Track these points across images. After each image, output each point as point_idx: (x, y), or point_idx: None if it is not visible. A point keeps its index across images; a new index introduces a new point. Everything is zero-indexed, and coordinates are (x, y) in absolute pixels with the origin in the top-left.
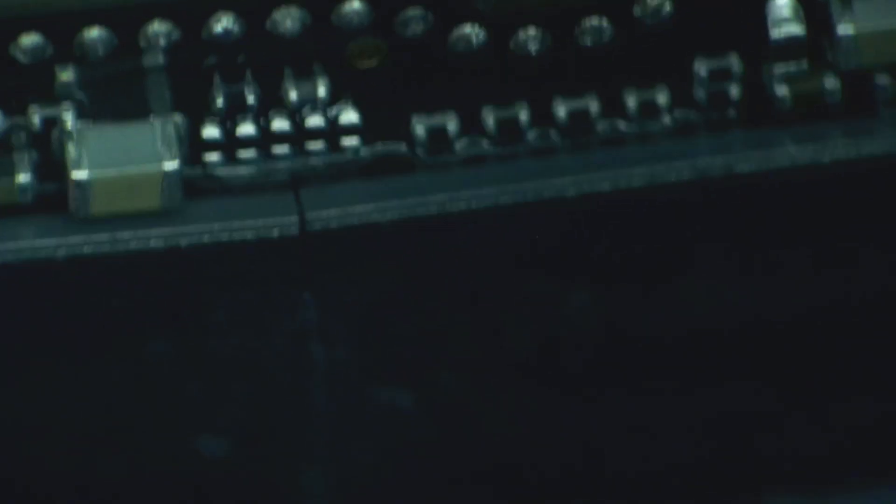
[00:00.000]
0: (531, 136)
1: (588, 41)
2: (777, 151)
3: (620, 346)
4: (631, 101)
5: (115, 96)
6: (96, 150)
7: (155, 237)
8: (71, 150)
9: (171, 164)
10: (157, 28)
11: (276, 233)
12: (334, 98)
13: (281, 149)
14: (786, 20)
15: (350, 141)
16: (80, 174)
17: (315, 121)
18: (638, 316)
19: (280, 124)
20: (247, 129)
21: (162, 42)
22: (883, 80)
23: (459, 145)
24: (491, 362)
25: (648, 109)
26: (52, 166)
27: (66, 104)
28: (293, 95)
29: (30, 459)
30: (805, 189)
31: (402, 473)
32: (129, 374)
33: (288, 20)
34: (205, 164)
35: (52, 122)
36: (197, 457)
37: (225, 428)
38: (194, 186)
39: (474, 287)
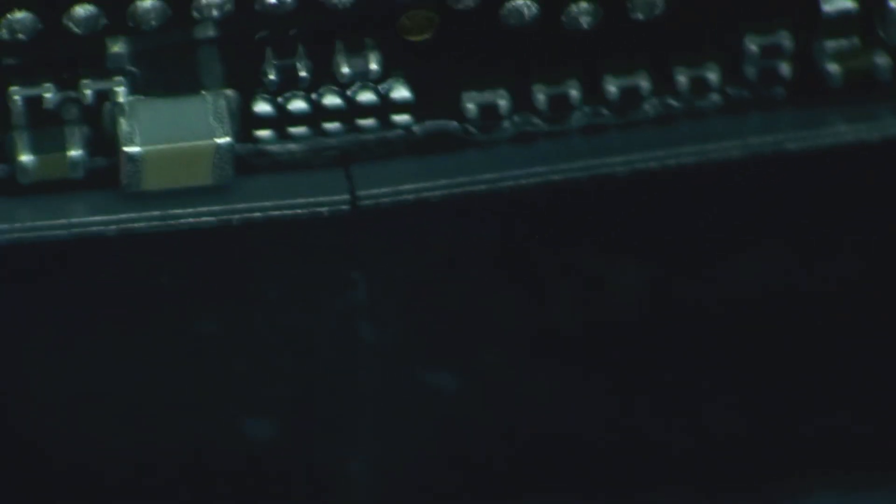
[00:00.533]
0: (581, 112)
1: (639, 15)
2: (827, 130)
3: (668, 326)
4: (681, 78)
5: (166, 69)
6: (148, 125)
7: (206, 213)
8: (123, 124)
9: (222, 139)
10: None
11: (326, 210)
12: (386, 72)
13: (332, 125)
14: None
15: (401, 117)
16: (131, 148)
17: (366, 96)
18: (686, 295)
19: (331, 100)
20: (298, 104)
21: (214, 13)
22: None
23: (510, 122)
24: (539, 343)
25: (699, 86)
26: (103, 141)
27: (118, 78)
28: (345, 69)
29: (77, 438)
30: (855, 168)
31: (448, 457)
32: (178, 353)
33: None
34: (256, 140)
35: (103, 96)
36: (243, 438)
37: (271, 409)
38: (246, 163)
39: (524, 265)
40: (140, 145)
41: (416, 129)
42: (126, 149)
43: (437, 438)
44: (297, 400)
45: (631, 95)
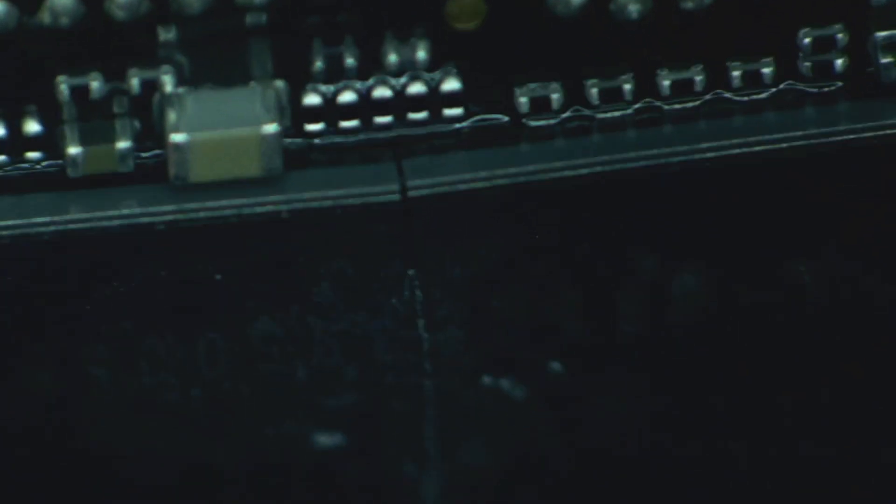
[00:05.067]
0: (635, 106)
1: (689, 4)
2: (884, 123)
3: (734, 330)
4: (735, 72)
5: (214, 60)
6: (195, 114)
7: (255, 205)
8: (170, 114)
9: (270, 128)
10: None
11: (377, 202)
12: (436, 63)
13: (383, 118)
14: None
15: (452, 110)
16: (178, 137)
17: (416, 88)
18: (752, 298)
19: (381, 92)
20: (348, 96)
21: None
22: None
23: (562, 115)
24: (600, 345)
25: (752, 80)
26: (151, 133)
27: (166, 67)
28: (393, 59)
29: (125, 443)
30: None
31: (515, 468)
32: (235, 356)
33: None
34: (306, 134)
35: (151, 86)
36: (305, 447)
37: (334, 418)
38: (296, 157)
39: (581, 262)
40: (187, 134)
41: (467, 122)
42: (173, 138)
43: (502, 444)
44: (361, 408)
45: (684, 88)
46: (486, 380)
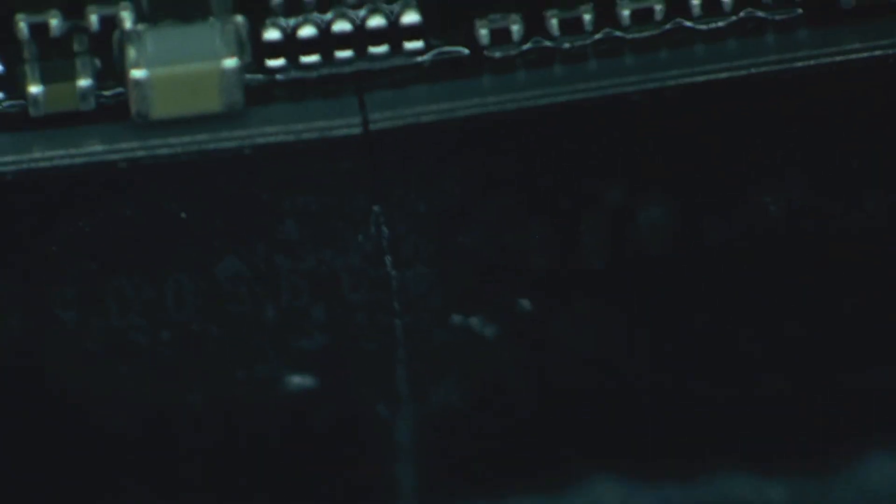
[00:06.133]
0: (595, 35)
1: None
2: (844, 48)
3: (698, 260)
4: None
5: None
6: (155, 50)
7: (218, 141)
8: (130, 51)
9: (230, 62)
10: None
11: (340, 135)
12: None
13: (343, 52)
14: None
15: (413, 43)
16: (138, 74)
17: (376, 21)
18: (714, 226)
19: (341, 25)
20: (308, 31)
21: None
22: None
23: (523, 46)
24: (567, 279)
25: (712, 7)
26: (112, 70)
27: (125, 3)
28: None
29: (93, 385)
30: (873, 87)
31: (486, 405)
32: (202, 296)
33: None
34: (267, 70)
35: (110, 23)
36: (275, 388)
37: (304, 359)
38: (257, 92)
39: (545, 194)
40: (147, 70)
41: (427, 55)
42: (133, 73)
43: (473, 382)
44: (331, 348)
45: (644, 16)
46: (456, 318)
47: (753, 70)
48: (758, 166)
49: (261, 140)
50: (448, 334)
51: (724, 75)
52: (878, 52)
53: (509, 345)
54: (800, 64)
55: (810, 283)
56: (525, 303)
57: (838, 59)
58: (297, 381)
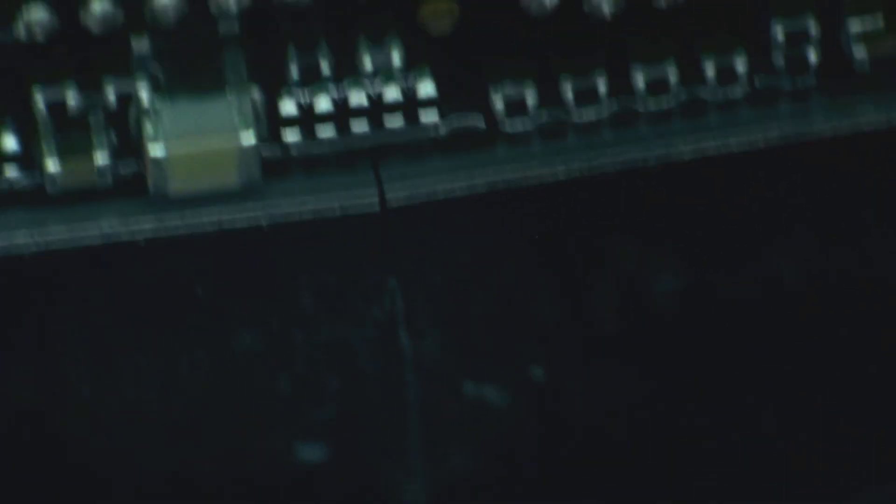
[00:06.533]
0: (610, 104)
1: (662, 2)
2: (858, 116)
3: (709, 322)
4: (709, 67)
5: (189, 68)
6: (172, 126)
7: (235, 216)
8: (147, 126)
9: (247, 138)
10: None
11: (355, 210)
12: (410, 66)
13: (359, 124)
14: None
15: (428, 114)
16: (155, 151)
17: (392, 93)
18: (725, 289)
19: (357, 98)
20: (324, 103)
21: (233, 7)
22: None
23: (538, 116)
24: (581, 345)
25: (726, 75)
26: (129, 145)
27: (141, 77)
28: (367, 63)
29: (110, 455)
30: (886, 153)
31: (500, 475)
32: (216, 366)
33: None
34: (283, 142)
35: (126, 98)
36: (290, 458)
37: (318, 429)
38: (273, 165)
39: (560, 263)
40: (164, 147)
41: (443, 126)
42: (151, 152)
43: (486, 450)
44: (345, 418)
45: (658, 85)
46: (469, 387)
47: (767, 139)
48: (771, 232)
49: (277, 215)
50: (461, 403)
51: (737, 145)
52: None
53: (522, 413)
54: (813, 132)
55: (819, 346)
56: (538, 370)
57: (852, 126)
58: (311, 450)
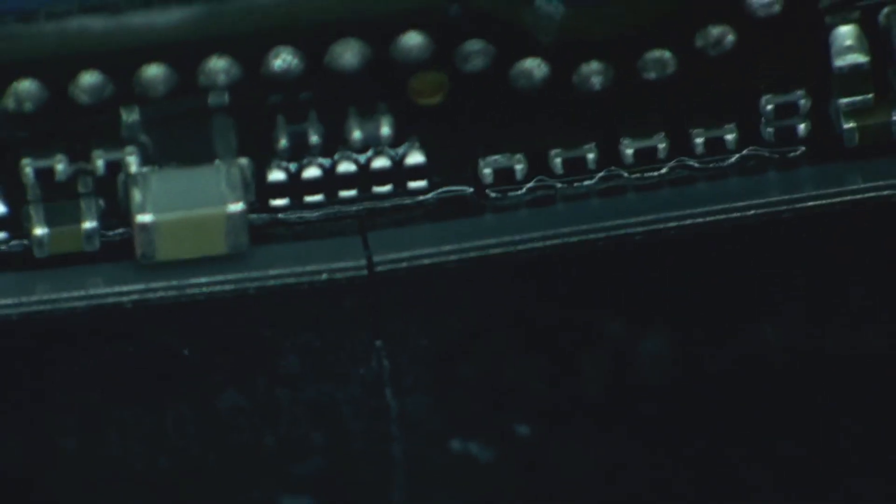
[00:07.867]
0: (598, 175)
1: (651, 74)
2: (846, 188)
3: (695, 391)
4: (698, 139)
5: (178, 138)
6: (161, 194)
7: (222, 283)
8: (135, 194)
9: (235, 206)
10: (216, 64)
11: (343, 277)
12: (400, 137)
13: (347, 192)
14: (849, 48)
15: (416, 183)
16: (144, 217)
17: (381, 162)
18: (711, 359)
19: (345, 167)
20: (312, 172)
21: (222, 79)
22: None
23: (526, 186)
24: (566, 410)
25: (715, 147)
26: (117, 212)
27: (130, 147)
28: (357, 134)
29: None
30: (875, 226)
31: None
32: (203, 428)
33: (347, 53)
34: (271, 210)
35: (115, 167)
36: None
37: (302, 485)
38: (261, 232)
39: (546, 331)
40: (152, 214)
41: (431, 194)
42: (139, 218)
43: None
44: (329, 475)
45: (647, 155)
46: (454, 443)
47: (755, 210)
48: (758, 302)
49: (265, 282)
50: (446, 459)
51: (725, 215)
52: (885, 192)
53: (507, 469)
54: (802, 204)
55: (806, 415)
56: (523, 429)
57: (840, 198)
58: None
